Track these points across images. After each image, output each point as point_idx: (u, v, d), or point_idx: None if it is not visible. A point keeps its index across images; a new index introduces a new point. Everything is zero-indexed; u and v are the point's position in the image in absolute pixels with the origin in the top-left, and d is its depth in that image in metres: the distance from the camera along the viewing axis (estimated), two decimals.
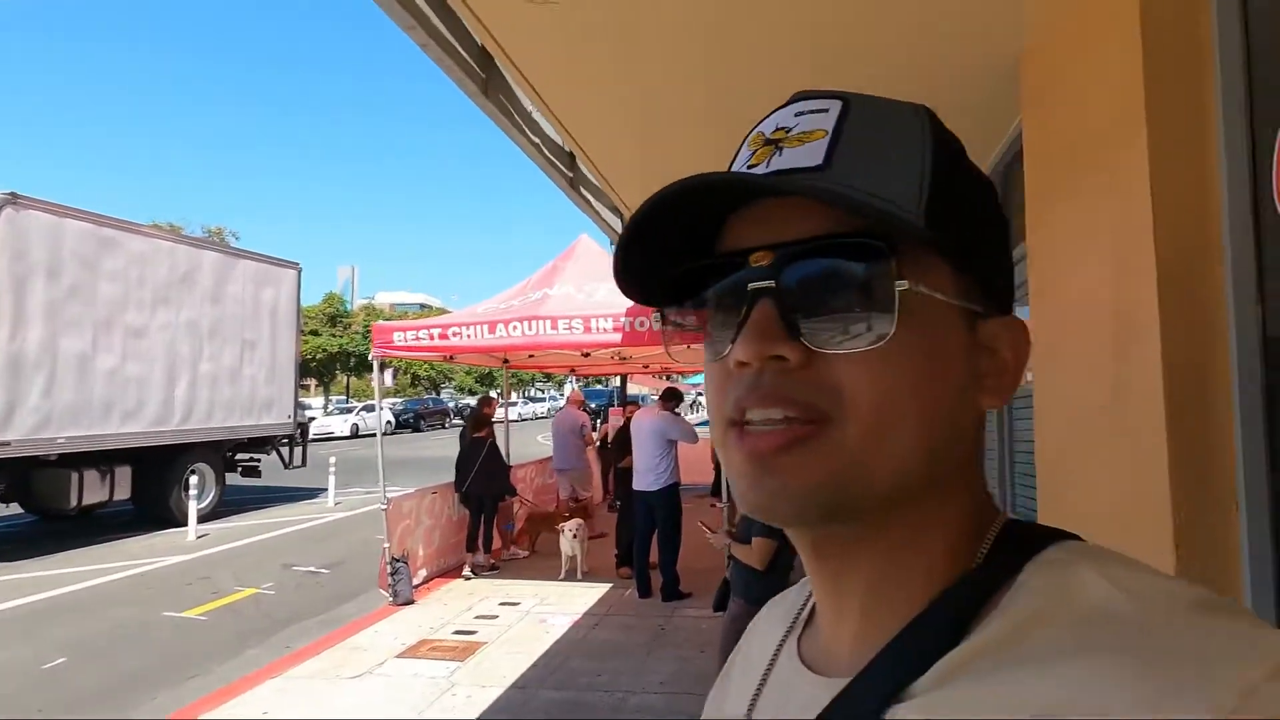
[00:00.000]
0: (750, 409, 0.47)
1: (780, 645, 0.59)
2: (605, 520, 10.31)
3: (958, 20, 2.40)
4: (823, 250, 0.47)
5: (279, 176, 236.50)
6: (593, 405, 19.16)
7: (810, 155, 0.48)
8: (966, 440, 0.50)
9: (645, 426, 7.50)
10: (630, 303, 3.22)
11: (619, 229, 5.34)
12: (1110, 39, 1.78)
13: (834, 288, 0.47)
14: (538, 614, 6.98)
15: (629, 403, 13.29)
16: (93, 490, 11.31)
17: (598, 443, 11.88)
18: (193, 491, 11.77)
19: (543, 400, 55.93)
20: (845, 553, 0.50)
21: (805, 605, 0.60)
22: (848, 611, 0.51)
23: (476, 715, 4.85)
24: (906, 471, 0.47)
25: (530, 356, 9.90)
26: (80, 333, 10.81)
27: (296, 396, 15.12)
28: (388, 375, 51.94)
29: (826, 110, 0.50)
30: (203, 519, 11.99)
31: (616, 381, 18.01)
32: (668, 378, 14.34)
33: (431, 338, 7.88)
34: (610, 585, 7.83)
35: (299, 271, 15.15)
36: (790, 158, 0.49)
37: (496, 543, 9.04)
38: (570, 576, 8.11)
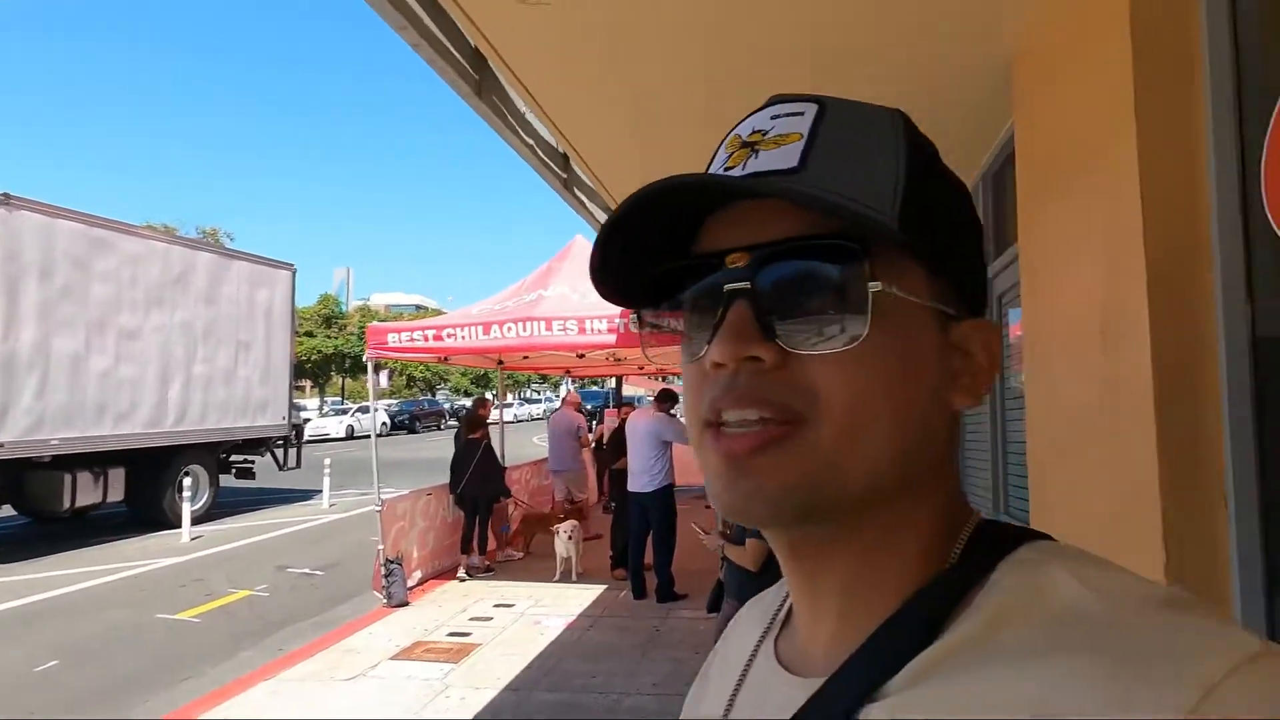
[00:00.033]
0: (726, 410, 0.47)
1: (758, 646, 0.59)
2: (600, 522, 10.30)
3: (952, 22, 2.40)
4: (797, 252, 0.47)
5: (275, 177, 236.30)
6: (588, 407, 19.14)
7: (785, 158, 0.49)
8: (940, 440, 0.51)
9: (640, 428, 7.50)
10: None
11: None
12: (1100, 42, 1.79)
13: (808, 289, 0.47)
14: (532, 615, 6.97)
15: (624, 404, 13.30)
16: (86, 492, 11.27)
17: (593, 444, 11.88)
18: (186, 493, 11.73)
19: (539, 401, 55.93)
20: (820, 554, 0.50)
21: (782, 606, 0.61)
22: (823, 612, 0.51)
23: (470, 717, 4.83)
24: (880, 472, 0.47)
25: (525, 358, 9.90)
26: (73, 334, 10.77)
27: (291, 398, 15.08)
28: (383, 377, 51.92)
29: (802, 113, 0.51)
30: (197, 521, 11.95)
31: (612, 383, 18.01)
32: (663, 379, 14.34)
33: (426, 339, 7.87)
34: (605, 587, 7.83)
35: (293, 272, 15.11)
36: (766, 160, 0.49)
37: (491, 544, 9.03)
38: (565, 578, 8.10)
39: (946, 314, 0.50)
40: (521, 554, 9.30)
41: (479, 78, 3.00)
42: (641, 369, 12.50)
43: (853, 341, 0.46)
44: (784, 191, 0.46)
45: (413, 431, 38.83)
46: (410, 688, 5.34)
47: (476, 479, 8.50)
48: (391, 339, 7.99)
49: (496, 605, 7.33)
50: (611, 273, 0.54)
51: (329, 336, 50.76)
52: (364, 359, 8.33)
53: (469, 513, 8.58)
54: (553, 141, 3.89)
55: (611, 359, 9.89)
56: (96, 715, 5.27)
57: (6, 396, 9.88)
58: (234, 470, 14.33)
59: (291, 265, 15.10)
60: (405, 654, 6.03)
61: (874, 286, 0.46)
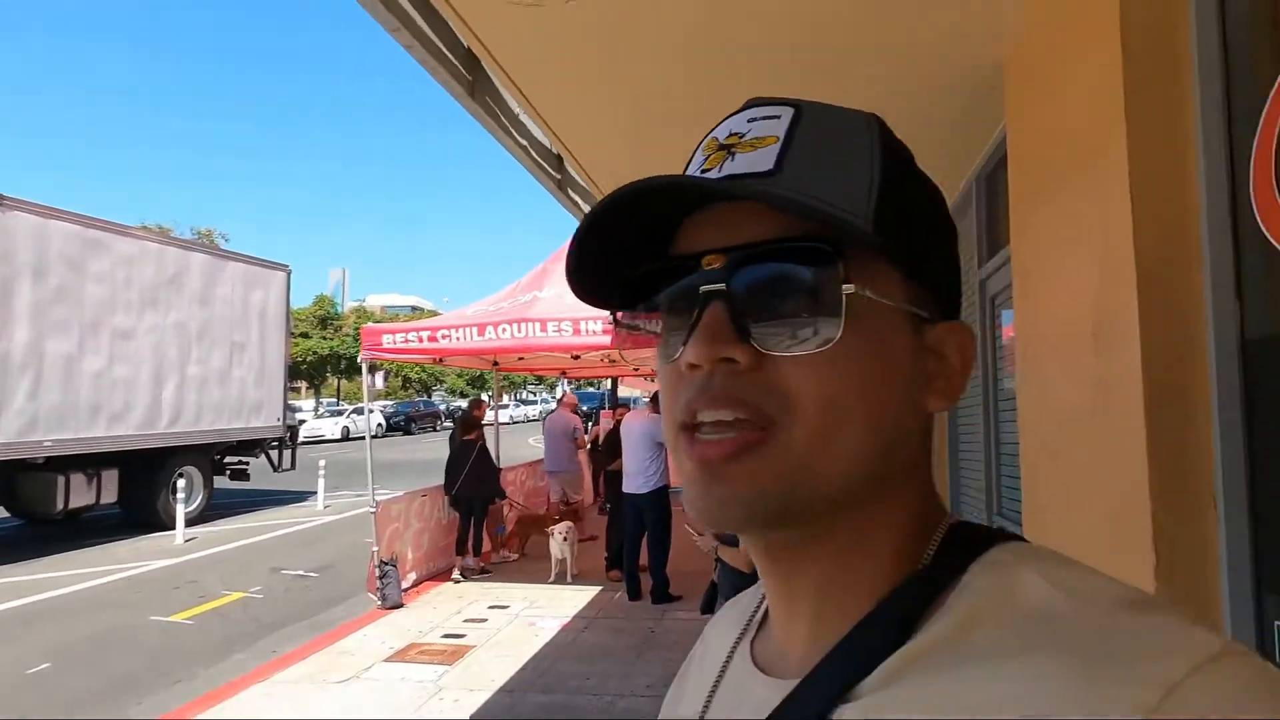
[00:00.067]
0: (701, 411, 0.48)
1: (734, 647, 0.59)
2: (595, 523, 10.30)
3: (944, 25, 2.41)
4: (772, 254, 0.48)
5: (270, 178, 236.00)
6: (584, 408, 19.15)
7: (762, 160, 0.49)
8: (913, 443, 0.51)
9: (635, 429, 7.50)
10: None
11: None
12: (1090, 44, 1.79)
13: (783, 291, 0.47)
14: (527, 617, 6.96)
15: (620, 405, 13.28)
16: (79, 494, 11.23)
17: (589, 445, 11.87)
18: (180, 495, 11.71)
19: (534, 403, 55.88)
20: (796, 556, 0.51)
21: (759, 608, 0.61)
22: (799, 614, 0.52)
23: (464, 719, 4.83)
24: (853, 474, 0.47)
25: (520, 359, 9.89)
26: (67, 335, 10.73)
27: (286, 399, 15.05)
28: (379, 378, 51.89)
29: (778, 117, 0.51)
30: (190, 522, 11.91)
31: (608, 384, 18.00)
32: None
33: (420, 340, 7.86)
34: (600, 588, 7.82)
35: (288, 274, 15.10)
36: (743, 162, 0.49)
37: (486, 546, 9.02)
38: (560, 579, 8.10)
39: (920, 317, 0.51)
40: (517, 555, 9.30)
41: (472, 79, 2.99)
42: (637, 370, 12.50)
43: (826, 344, 0.46)
44: (759, 194, 0.47)
45: (408, 433, 38.77)
46: (404, 690, 5.33)
47: (471, 480, 8.49)
48: (386, 340, 7.98)
49: (491, 607, 7.32)
50: (588, 273, 0.54)
51: (324, 338, 50.69)
52: (359, 360, 8.32)
53: (464, 514, 8.57)
54: (546, 143, 3.89)
55: (607, 360, 9.89)
56: (89, 718, 5.25)
57: (0, 398, 9.84)
58: (228, 472, 14.30)
59: (286, 266, 15.08)
60: (399, 656, 6.02)
61: (848, 289, 0.46)
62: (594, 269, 0.54)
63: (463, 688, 5.33)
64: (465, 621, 6.89)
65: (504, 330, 7.46)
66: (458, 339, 7.72)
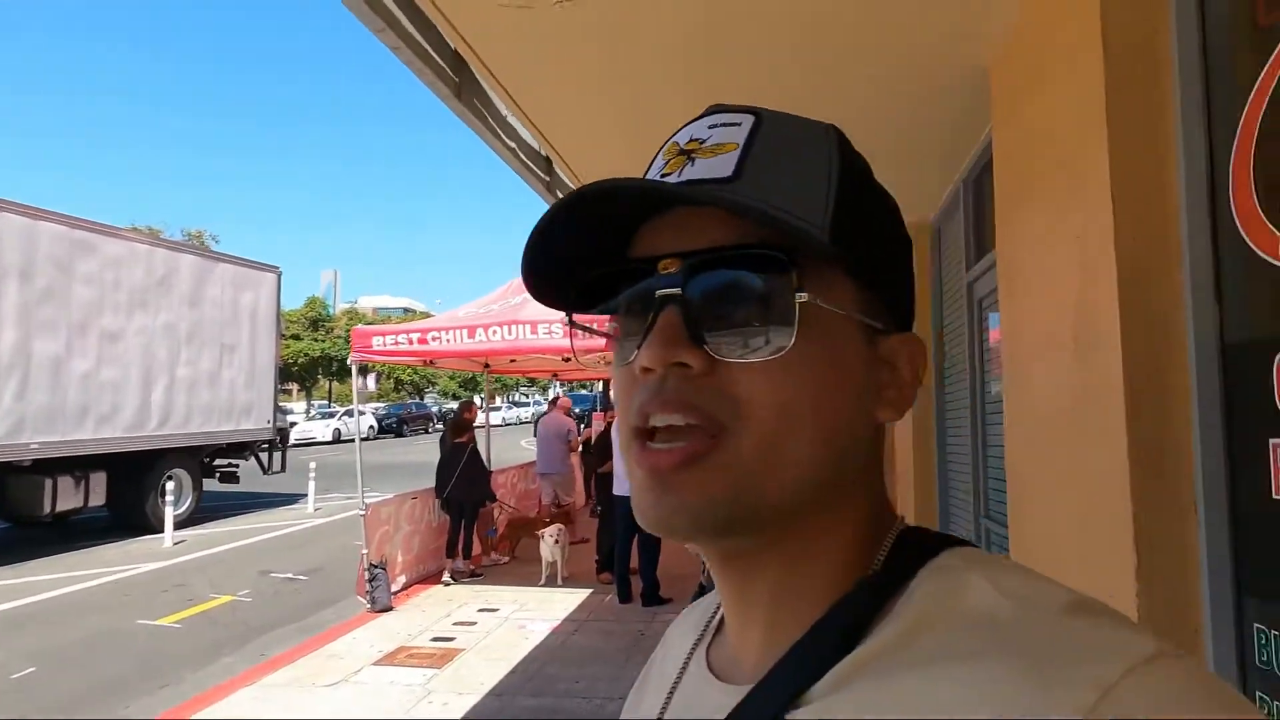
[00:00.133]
0: (653, 415, 0.48)
1: (691, 653, 0.60)
2: (587, 525, 10.28)
3: (932, 30, 2.42)
4: (727, 260, 0.48)
5: (261, 180, 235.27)
6: (576, 410, 19.14)
7: (722, 166, 0.49)
8: (863, 452, 0.52)
9: None
10: None
11: None
12: (1073, 48, 1.80)
13: (737, 298, 0.48)
14: (517, 620, 6.94)
15: (611, 408, 13.26)
16: (67, 496, 11.16)
17: (580, 447, 11.85)
18: (169, 497, 11.64)
19: (526, 405, 55.83)
20: (749, 564, 0.51)
21: (715, 614, 0.61)
22: (752, 620, 0.52)
23: None
24: (804, 481, 0.48)
25: (512, 361, 9.88)
26: (54, 336, 10.67)
27: (276, 401, 15.01)
28: (370, 380, 51.79)
29: (739, 124, 0.51)
30: (179, 525, 11.85)
31: (600, 386, 17.99)
32: None
33: (411, 342, 7.84)
34: (591, 591, 7.81)
35: (279, 275, 15.05)
36: (702, 168, 0.50)
37: (477, 548, 8.99)
38: (550, 582, 8.08)
39: (874, 327, 0.51)
40: (507, 558, 9.28)
41: (459, 81, 2.99)
42: None
43: (779, 351, 0.47)
44: (717, 199, 0.47)
45: (400, 435, 38.68)
46: (393, 693, 5.31)
47: (462, 483, 8.47)
48: (376, 342, 7.96)
49: (481, 610, 7.30)
50: (544, 273, 0.54)
51: (316, 339, 50.52)
52: (349, 362, 8.30)
53: (454, 517, 8.55)
54: (535, 145, 3.88)
55: (601, 362, 9.88)
56: (80, 718, 5.21)
57: None
58: (218, 474, 14.23)
59: (277, 268, 15.04)
60: (388, 659, 5.99)
61: (802, 297, 0.47)
62: (550, 269, 0.54)
63: (452, 691, 5.31)
64: (455, 624, 6.87)
65: (494, 332, 7.45)
66: (448, 341, 7.70)
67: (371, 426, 36.31)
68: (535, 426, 12.10)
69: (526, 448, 18.80)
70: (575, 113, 3.24)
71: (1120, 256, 1.57)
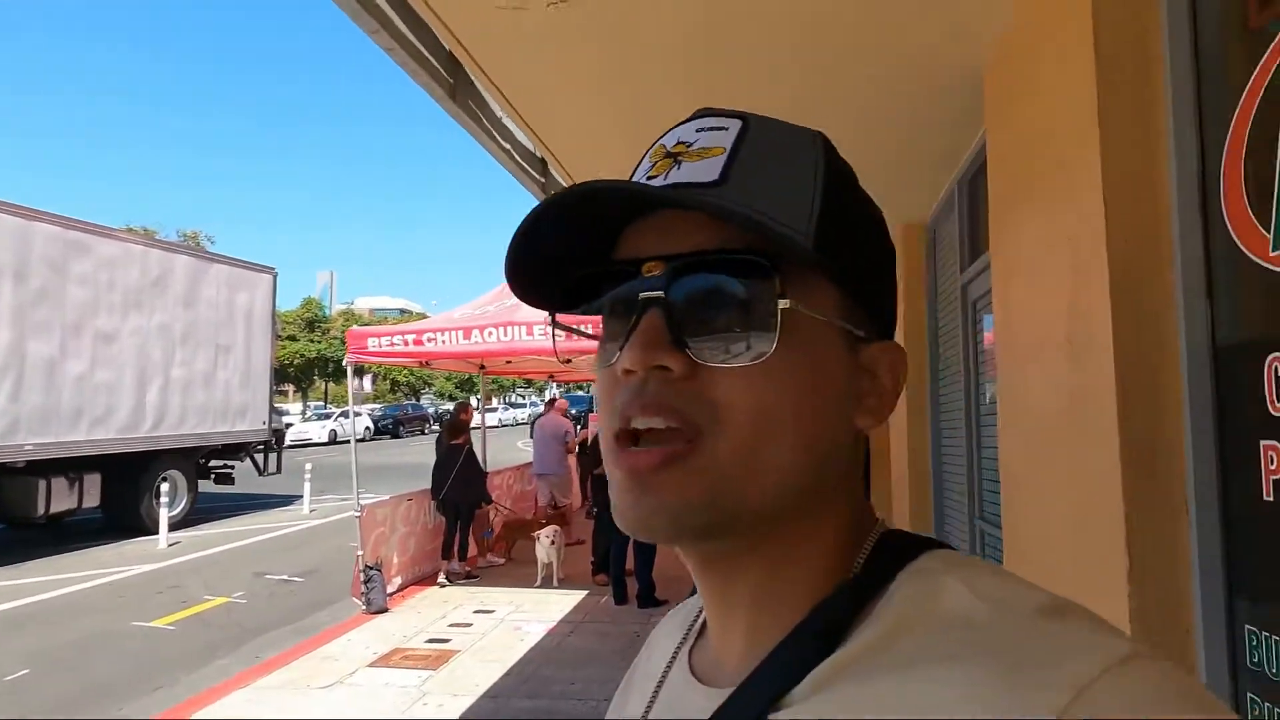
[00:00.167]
0: (634, 417, 0.48)
1: (674, 656, 0.60)
2: (583, 527, 10.27)
3: (927, 33, 2.42)
4: (711, 264, 0.48)
5: (258, 180, 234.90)
6: (573, 411, 19.12)
7: (707, 171, 0.49)
8: (844, 458, 0.52)
9: None
10: None
11: None
12: (1064, 50, 1.80)
13: (719, 302, 0.48)
14: (512, 621, 6.93)
15: None
16: (61, 498, 11.11)
17: (577, 449, 11.84)
18: (164, 499, 11.61)
19: (523, 406, 55.78)
20: (730, 568, 0.51)
21: (698, 617, 0.61)
22: (734, 623, 0.52)
23: None
24: (784, 488, 0.48)
25: (508, 362, 9.87)
26: (49, 337, 10.63)
27: (271, 403, 14.97)
28: (366, 381, 51.71)
29: (726, 128, 0.52)
30: (174, 527, 11.82)
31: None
32: None
33: (406, 344, 7.83)
34: (586, 592, 7.80)
35: (274, 276, 15.02)
36: (688, 172, 0.50)
37: (472, 550, 8.98)
38: (546, 584, 8.07)
39: (855, 335, 0.51)
40: (503, 560, 9.26)
41: (454, 82, 2.98)
42: None
43: (760, 357, 0.47)
44: (702, 204, 0.47)
45: (396, 436, 38.62)
46: (388, 695, 5.29)
47: (458, 484, 8.46)
48: (371, 343, 7.95)
49: (476, 611, 7.28)
50: (528, 272, 0.54)
51: (312, 340, 50.47)
52: (344, 363, 8.29)
53: (450, 518, 8.54)
54: (530, 146, 3.88)
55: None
56: (76, 718, 5.20)
57: None
58: (213, 476, 14.20)
59: (272, 269, 15.01)
60: (383, 661, 5.98)
61: (783, 303, 0.47)
62: (535, 269, 0.53)
63: (446, 693, 5.30)
64: (450, 626, 6.86)
65: (490, 334, 7.44)
66: (444, 342, 7.69)
67: (368, 428, 36.25)
68: (532, 428, 12.09)
69: (523, 449, 18.76)
70: (570, 114, 3.24)
71: (1112, 258, 1.58)
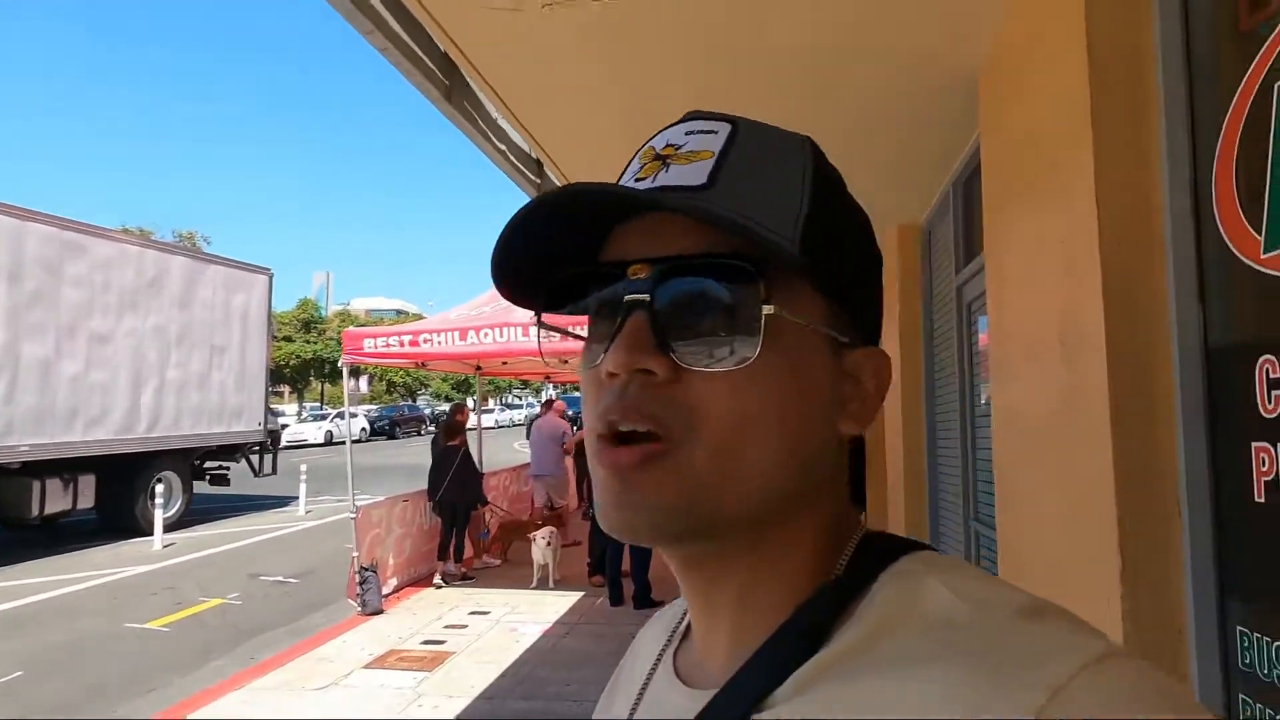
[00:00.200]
0: (616, 420, 0.48)
1: (658, 658, 0.60)
2: (579, 528, 10.27)
3: (922, 37, 2.42)
4: (697, 268, 0.48)
5: (254, 181, 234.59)
6: (570, 412, 19.12)
7: (695, 174, 0.49)
8: (827, 464, 0.52)
9: None
10: None
11: None
12: (1058, 53, 1.81)
13: (704, 307, 0.48)
14: (508, 623, 6.93)
15: None
16: (56, 499, 11.08)
17: (573, 450, 11.84)
18: (159, 500, 11.58)
19: (520, 407, 55.76)
20: (713, 570, 0.51)
21: (683, 619, 0.61)
22: (717, 626, 0.52)
23: None
24: (767, 492, 0.48)
25: (504, 363, 9.86)
26: (43, 338, 10.60)
27: (267, 404, 14.94)
28: (362, 382, 51.63)
29: (715, 132, 0.52)
30: (169, 528, 11.79)
31: None
32: None
33: (402, 345, 7.82)
34: (582, 593, 7.79)
35: (270, 277, 15.00)
36: (676, 175, 0.50)
37: (468, 551, 8.97)
38: (542, 585, 8.06)
39: (840, 340, 0.51)
40: (499, 561, 9.25)
41: (449, 83, 2.98)
42: None
43: (743, 362, 0.47)
44: (689, 207, 0.47)
45: (393, 437, 38.57)
46: (383, 696, 5.29)
47: (454, 486, 8.45)
48: (367, 344, 7.93)
49: (472, 613, 7.28)
50: (514, 272, 0.54)
51: (308, 341, 50.41)
52: (340, 364, 8.28)
53: (446, 519, 8.53)
54: (526, 147, 3.88)
55: None
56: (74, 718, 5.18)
57: None
58: (208, 477, 14.16)
59: (268, 270, 14.99)
60: (378, 662, 5.97)
61: (768, 309, 0.46)
62: (521, 268, 0.53)
63: (442, 694, 5.29)
64: (446, 628, 6.85)
65: (486, 335, 7.43)
66: (439, 343, 7.69)
67: (364, 429, 36.20)
68: (528, 429, 12.10)
69: (519, 450, 18.75)
70: (565, 116, 3.24)
71: (1105, 260, 1.58)
